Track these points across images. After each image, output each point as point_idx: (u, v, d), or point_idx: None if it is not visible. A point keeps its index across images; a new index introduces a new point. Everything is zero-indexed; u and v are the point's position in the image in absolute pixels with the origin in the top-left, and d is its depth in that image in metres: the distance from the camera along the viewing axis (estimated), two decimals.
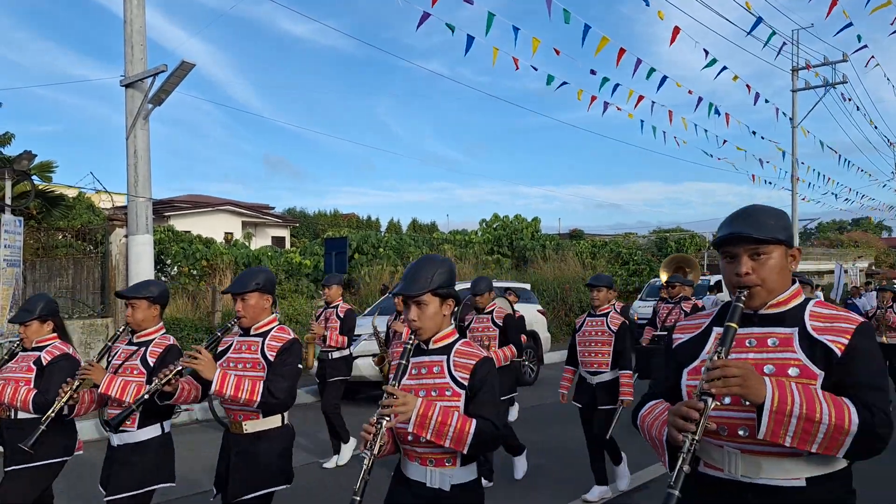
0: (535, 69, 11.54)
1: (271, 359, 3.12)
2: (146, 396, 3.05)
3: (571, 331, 5.69)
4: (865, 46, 13.96)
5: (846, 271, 26.41)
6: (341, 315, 6.92)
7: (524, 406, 9.09)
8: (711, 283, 17.36)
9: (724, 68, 13.26)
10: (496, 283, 12.51)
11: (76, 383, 3.39)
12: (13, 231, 8.89)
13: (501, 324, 5.72)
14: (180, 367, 3.03)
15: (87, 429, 8.05)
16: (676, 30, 10.70)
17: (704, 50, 12.54)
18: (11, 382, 3.65)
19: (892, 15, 11.41)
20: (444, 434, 2.18)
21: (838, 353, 1.73)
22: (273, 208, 32.64)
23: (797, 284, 1.90)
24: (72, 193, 14.49)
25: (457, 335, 2.46)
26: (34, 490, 3.63)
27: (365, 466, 2.17)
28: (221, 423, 6.15)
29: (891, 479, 5.23)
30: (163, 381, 3.01)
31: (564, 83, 11.86)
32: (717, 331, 1.89)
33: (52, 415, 3.36)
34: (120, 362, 3.43)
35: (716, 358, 1.69)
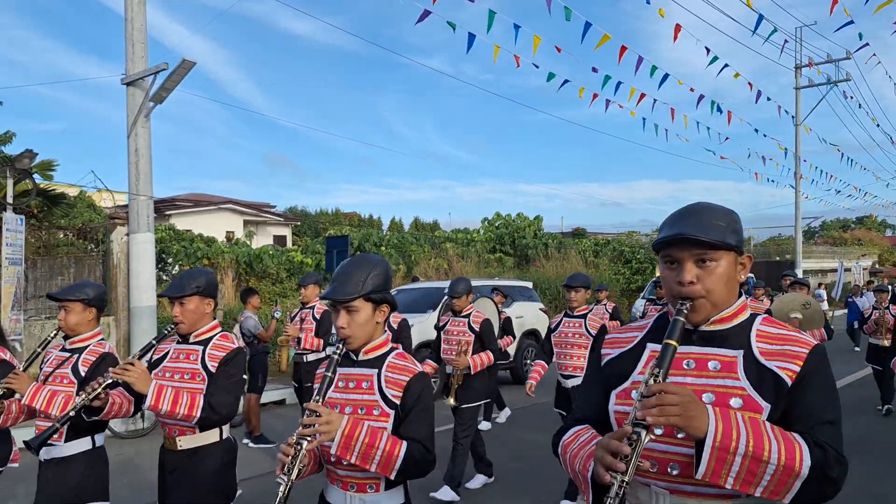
0: (537, 67, 11.53)
1: (213, 370, 2.87)
2: (71, 413, 2.73)
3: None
4: (867, 44, 13.91)
5: (849, 269, 26.34)
6: (317, 316, 6.67)
7: (525, 404, 9.08)
8: None
9: (726, 66, 13.22)
10: (497, 282, 12.53)
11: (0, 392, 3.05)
12: (14, 229, 8.89)
13: (478, 329, 5.50)
14: (110, 380, 2.76)
15: None
16: (678, 27, 10.67)
17: (706, 48, 12.50)
18: None
19: (895, 13, 11.37)
20: (370, 458, 1.97)
21: (788, 381, 1.50)
22: (274, 207, 32.64)
23: (743, 298, 1.67)
24: (72, 192, 14.49)
25: (390, 345, 2.25)
26: None
27: (281, 494, 1.93)
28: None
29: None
30: (90, 396, 2.73)
31: (566, 81, 11.83)
32: (651, 348, 1.66)
33: None
34: (51, 370, 3.17)
35: (652, 382, 1.43)
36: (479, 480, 5.80)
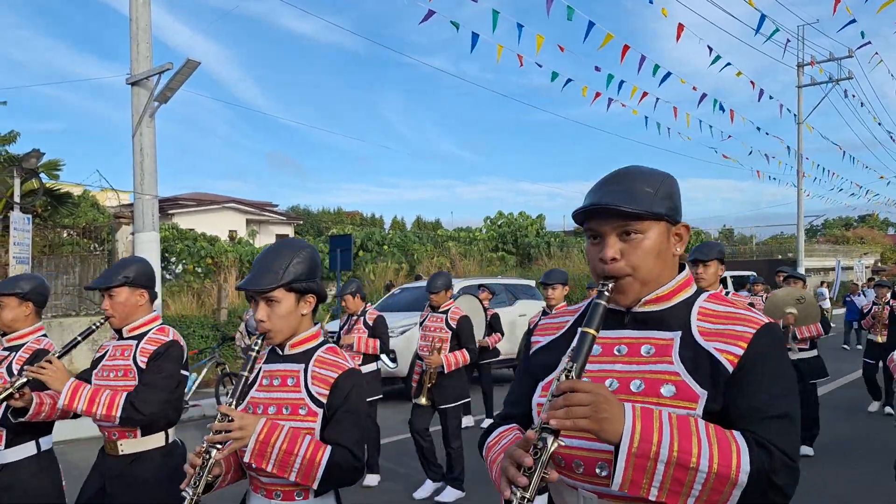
0: (540, 66, 11.57)
1: (143, 366, 2.67)
2: None
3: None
4: (869, 43, 13.92)
5: (850, 268, 26.35)
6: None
7: None
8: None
9: (728, 64, 13.24)
10: (500, 281, 12.57)
11: None
12: (22, 228, 8.95)
13: (455, 326, 5.27)
14: (24, 379, 2.60)
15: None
16: (681, 27, 10.70)
17: (709, 46, 12.53)
18: None
19: None
20: (289, 466, 1.80)
21: (729, 367, 1.28)
22: (277, 206, 32.70)
23: (686, 272, 1.45)
24: (76, 191, 14.56)
25: (321, 339, 2.06)
26: None
27: None
28: None
29: None
30: (1, 395, 2.57)
31: (569, 80, 11.88)
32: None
33: None
34: None
35: (563, 378, 1.23)
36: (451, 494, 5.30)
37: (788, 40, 17.10)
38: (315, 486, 1.84)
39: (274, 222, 30.72)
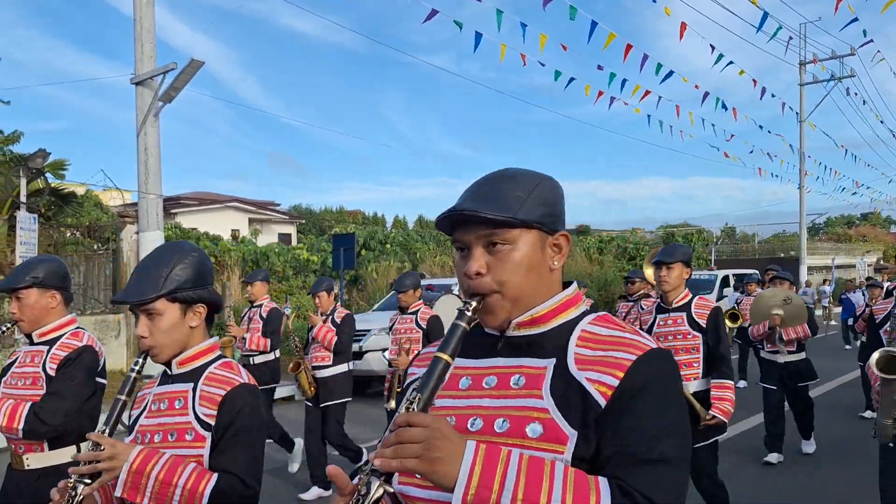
0: (543, 65, 11.59)
1: (52, 373, 2.46)
2: None
3: None
4: (871, 41, 13.94)
5: (852, 265, 26.32)
6: (265, 315, 6.29)
7: None
8: (719, 278, 17.38)
9: (730, 62, 13.26)
10: None
11: None
12: (28, 228, 9.00)
13: (426, 326, 5.07)
14: None
15: None
16: (684, 26, 10.72)
17: (711, 45, 12.56)
18: None
19: None
20: (167, 498, 1.61)
21: (601, 401, 1.08)
22: (279, 205, 32.75)
23: (571, 290, 1.25)
24: (79, 190, 14.61)
25: (216, 353, 1.85)
26: None
27: None
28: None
29: None
30: None
31: (572, 80, 11.91)
32: (456, 363, 1.18)
33: None
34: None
35: (403, 411, 1.05)
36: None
37: (791, 38, 17.12)
38: None
39: (276, 221, 30.77)
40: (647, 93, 13.02)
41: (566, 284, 1.27)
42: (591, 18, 9.94)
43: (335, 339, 5.53)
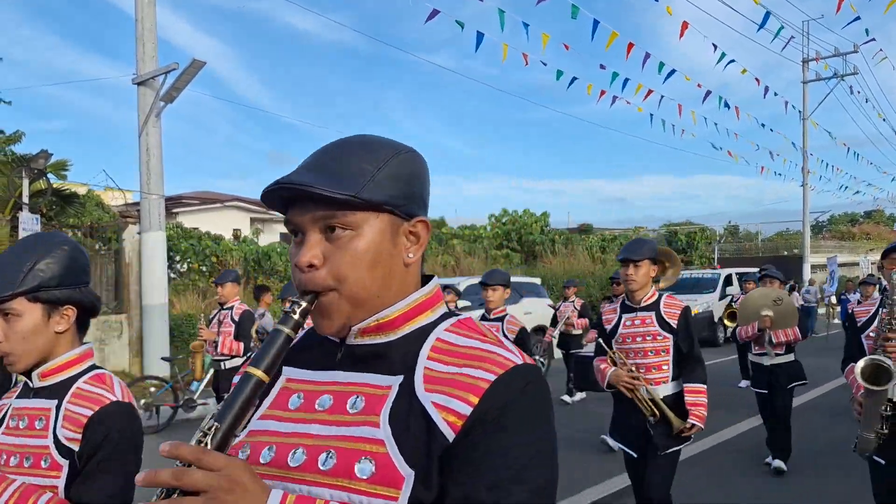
0: (545, 64, 11.57)
1: (72, 446, 1.84)
2: None
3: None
4: (873, 39, 13.90)
5: (856, 263, 26.25)
6: (236, 318, 6.07)
7: None
8: (722, 277, 17.34)
9: (732, 61, 13.23)
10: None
11: None
12: (31, 229, 9.01)
13: None
14: None
15: None
16: (685, 25, 10.69)
17: (713, 44, 12.54)
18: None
19: None
20: None
21: (448, 432, 0.86)
22: None
23: (429, 288, 1.01)
24: (81, 190, 14.64)
25: (86, 364, 1.56)
26: None
27: None
28: None
29: None
30: None
31: (575, 79, 11.90)
32: (287, 374, 1.01)
33: None
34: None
35: (194, 443, 0.83)
36: None
37: (792, 37, 17.08)
38: None
39: (278, 220, 30.78)
40: (650, 92, 13.00)
41: (427, 279, 1.03)
42: (594, 18, 9.92)
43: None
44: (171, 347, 10.46)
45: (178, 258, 17.87)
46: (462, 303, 10.72)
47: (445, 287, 9.71)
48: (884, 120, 37.26)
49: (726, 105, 14.49)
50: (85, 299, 1.55)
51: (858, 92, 23.30)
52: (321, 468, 0.89)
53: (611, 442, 5.93)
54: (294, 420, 0.95)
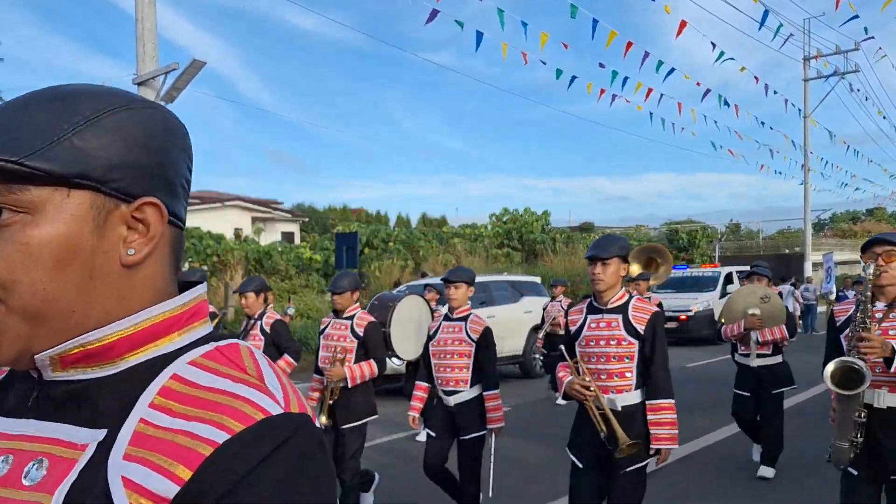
0: (545, 63, 11.57)
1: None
2: None
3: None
4: (872, 37, 13.88)
5: (857, 262, 26.15)
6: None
7: (533, 399, 9.16)
8: (723, 275, 17.34)
9: (730, 59, 13.22)
10: (505, 278, 12.58)
11: None
12: None
13: (362, 333, 4.54)
14: None
15: None
16: (683, 23, 10.68)
17: (712, 43, 12.53)
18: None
19: None
20: None
21: None
22: (282, 203, 32.82)
23: (184, 299, 0.71)
24: None
25: None
26: None
27: None
28: None
29: None
30: None
31: (575, 78, 11.89)
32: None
33: None
34: None
35: None
36: None
37: (791, 35, 17.06)
38: None
39: (279, 220, 30.83)
40: (650, 91, 13.00)
41: (187, 287, 0.73)
42: (593, 17, 9.92)
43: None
44: None
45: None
46: None
47: (426, 286, 9.30)
48: (884, 117, 37.25)
49: (726, 103, 14.50)
50: None
51: (858, 90, 23.28)
52: None
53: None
54: None
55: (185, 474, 0.58)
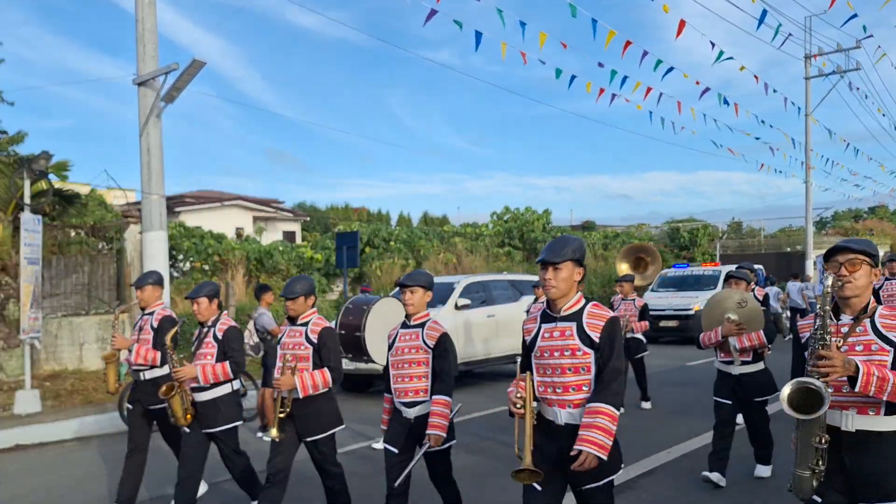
0: (544, 63, 11.57)
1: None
2: None
3: None
4: (871, 36, 13.86)
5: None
6: (156, 324, 5.28)
7: None
8: (723, 274, 17.32)
9: (730, 58, 13.21)
10: (506, 277, 12.58)
11: None
12: (32, 229, 9.06)
13: (317, 340, 4.30)
14: None
15: (103, 421, 8.22)
16: (682, 23, 10.68)
17: (711, 42, 12.53)
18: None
19: None
20: None
21: None
22: (283, 202, 32.84)
23: None
24: (83, 190, 14.71)
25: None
26: None
27: None
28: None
29: None
30: None
31: (574, 77, 11.90)
32: None
33: None
34: None
35: None
36: None
37: (790, 34, 17.04)
38: None
39: (281, 219, 30.85)
40: (650, 90, 12.99)
41: None
42: (592, 17, 9.93)
43: (226, 366, 4.63)
44: None
45: (180, 257, 17.94)
46: (462, 301, 10.74)
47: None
48: (883, 115, 37.23)
49: (725, 102, 14.49)
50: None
51: (858, 88, 23.27)
52: None
53: None
54: None
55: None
